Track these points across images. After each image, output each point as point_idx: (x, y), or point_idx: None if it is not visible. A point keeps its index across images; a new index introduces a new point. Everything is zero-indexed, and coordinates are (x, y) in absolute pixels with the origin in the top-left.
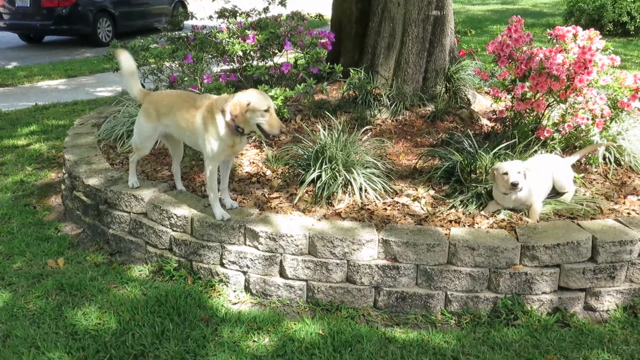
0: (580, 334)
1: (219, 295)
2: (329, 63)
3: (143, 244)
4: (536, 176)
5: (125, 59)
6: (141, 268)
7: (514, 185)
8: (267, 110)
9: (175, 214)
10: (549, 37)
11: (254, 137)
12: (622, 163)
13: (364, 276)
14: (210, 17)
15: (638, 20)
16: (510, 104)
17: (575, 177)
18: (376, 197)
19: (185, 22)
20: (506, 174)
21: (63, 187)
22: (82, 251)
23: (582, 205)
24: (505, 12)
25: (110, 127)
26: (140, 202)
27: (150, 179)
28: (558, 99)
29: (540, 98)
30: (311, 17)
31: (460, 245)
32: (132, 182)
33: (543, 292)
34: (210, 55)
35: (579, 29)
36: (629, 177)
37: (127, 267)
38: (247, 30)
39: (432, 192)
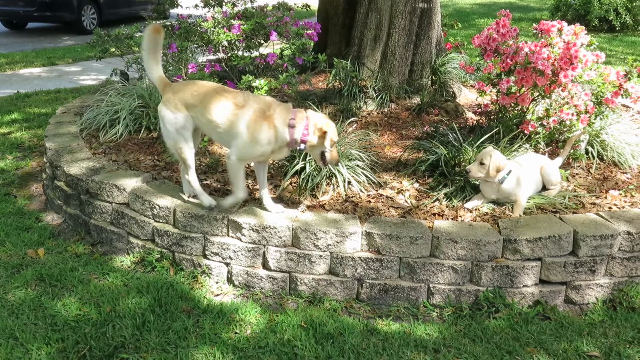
0: (560, 326)
1: (201, 286)
2: (313, 53)
3: (125, 235)
4: (524, 171)
5: (156, 36)
6: (123, 259)
7: (482, 165)
8: (334, 143)
9: (157, 205)
10: (534, 32)
11: None
12: (605, 158)
13: (347, 268)
14: (196, 6)
15: (624, 16)
16: (495, 98)
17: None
18: (360, 189)
19: (171, 11)
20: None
21: (44, 176)
22: (63, 241)
23: (565, 199)
24: (493, 6)
25: (93, 116)
26: (122, 192)
27: (133, 168)
28: (543, 94)
29: (525, 92)
30: (298, 7)
31: (443, 238)
32: (208, 202)
33: (524, 285)
34: (195, 45)
35: (564, 23)
36: (611, 172)
37: (109, 257)
38: (232, 20)
39: (416, 184)
